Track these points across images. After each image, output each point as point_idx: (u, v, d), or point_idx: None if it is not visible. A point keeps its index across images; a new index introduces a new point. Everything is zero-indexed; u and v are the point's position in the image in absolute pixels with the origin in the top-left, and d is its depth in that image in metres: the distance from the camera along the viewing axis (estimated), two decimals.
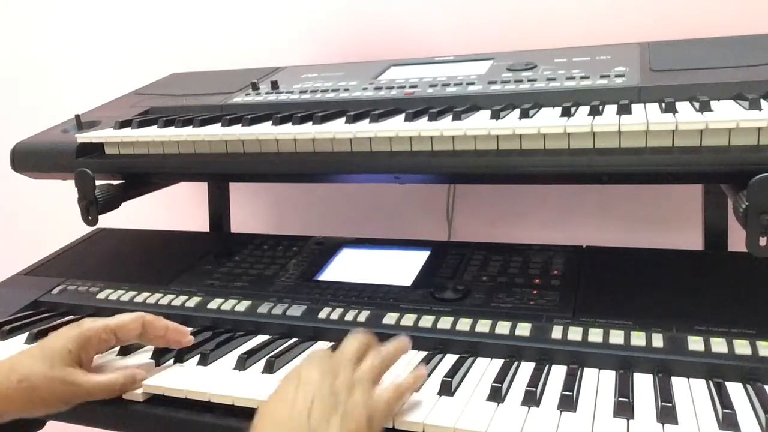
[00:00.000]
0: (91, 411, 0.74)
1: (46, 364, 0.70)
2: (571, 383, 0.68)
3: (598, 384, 0.70)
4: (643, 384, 0.68)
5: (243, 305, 0.92)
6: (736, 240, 0.85)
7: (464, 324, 0.81)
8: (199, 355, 0.80)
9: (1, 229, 1.85)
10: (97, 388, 0.72)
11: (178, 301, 0.96)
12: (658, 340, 0.73)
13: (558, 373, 0.72)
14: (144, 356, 0.82)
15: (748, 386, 0.66)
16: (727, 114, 0.71)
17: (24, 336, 0.90)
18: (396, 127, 0.83)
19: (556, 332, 0.77)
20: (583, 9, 1.22)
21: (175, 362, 0.80)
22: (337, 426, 0.57)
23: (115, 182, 1.03)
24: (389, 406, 0.63)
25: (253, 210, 1.55)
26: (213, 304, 0.94)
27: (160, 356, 0.81)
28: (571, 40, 1.13)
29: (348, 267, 1.02)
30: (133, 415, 0.75)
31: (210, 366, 0.79)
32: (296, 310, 0.89)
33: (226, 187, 1.36)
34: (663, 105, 0.77)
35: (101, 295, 1.01)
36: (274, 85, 1.13)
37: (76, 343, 0.73)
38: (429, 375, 0.73)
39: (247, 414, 0.70)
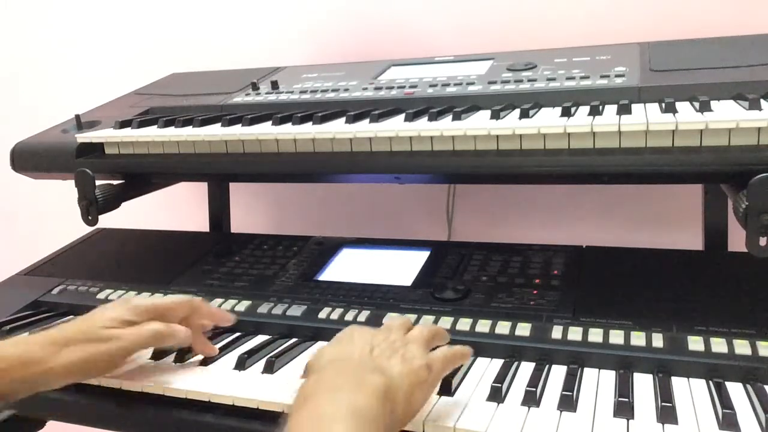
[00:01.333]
0: (91, 411, 0.74)
1: (87, 327, 0.73)
2: (571, 383, 0.68)
3: (598, 384, 0.70)
4: (643, 384, 0.68)
5: (243, 305, 0.92)
6: (736, 240, 0.85)
7: (464, 324, 0.81)
8: (199, 355, 0.80)
9: (1, 229, 1.85)
10: (138, 337, 0.73)
11: None
12: (658, 340, 0.73)
13: (558, 373, 0.72)
14: (143, 356, 0.82)
15: (748, 386, 0.66)
16: (727, 114, 0.71)
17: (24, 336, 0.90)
18: (396, 127, 0.83)
19: (556, 332, 0.77)
20: (583, 9, 1.22)
21: (175, 362, 0.80)
22: (398, 364, 0.59)
23: (115, 182, 1.03)
24: (444, 363, 0.64)
25: (253, 210, 1.55)
26: (213, 304, 0.93)
27: (159, 356, 0.81)
28: (571, 40, 1.13)
29: (348, 267, 1.02)
30: (133, 414, 0.76)
31: (210, 366, 0.79)
32: (296, 310, 0.89)
33: (226, 187, 1.36)
34: (663, 105, 0.77)
35: (101, 295, 1.01)
36: (274, 85, 1.13)
37: (122, 316, 0.75)
38: None
39: (247, 414, 0.70)
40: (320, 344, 0.84)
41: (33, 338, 0.73)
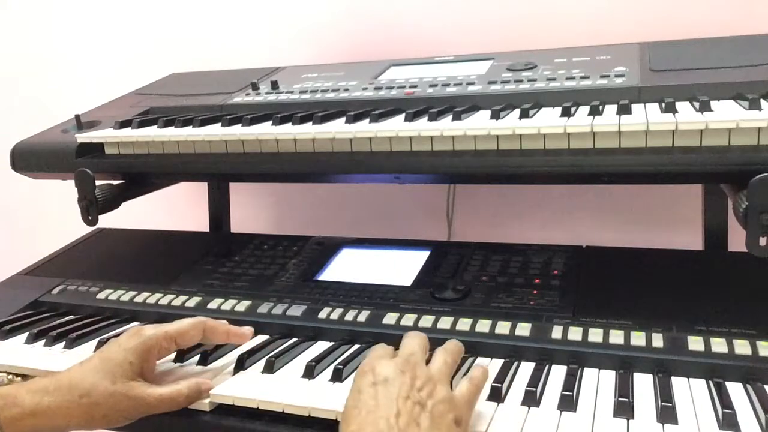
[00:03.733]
0: None
1: (107, 378, 0.68)
2: (571, 383, 0.68)
3: (598, 384, 0.70)
4: (643, 384, 0.68)
5: (243, 305, 0.92)
6: (736, 240, 0.85)
7: (464, 324, 0.81)
8: (198, 356, 0.80)
9: (1, 229, 1.85)
10: (161, 401, 0.69)
11: (178, 301, 0.96)
12: (658, 340, 0.73)
13: (558, 373, 0.72)
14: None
15: (748, 386, 0.66)
16: (727, 114, 0.71)
17: (24, 336, 0.90)
18: (396, 127, 0.83)
19: (556, 332, 0.77)
20: (583, 9, 1.22)
21: (175, 361, 0.80)
22: (426, 426, 0.55)
23: (115, 182, 1.03)
24: (471, 403, 0.62)
25: (253, 210, 1.55)
26: (213, 304, 0.94)
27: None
28: (571, 40, 1.13)
29: (348, 267, 1.02)
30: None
31: (210, 365, 0.79)
32: (296, 310, 0.89)
33: (226, 187, 1.36)
34: (663, 105, 0.77)
35: (101, 295, 1.01)
36: (274, 85, 1.13)
37: (137, 355, 0.70)
38: None
39: (247, 413, 0.70)
40: (320, 344, 0.84)
41: (50, 386, 0.68)
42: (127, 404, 0.68)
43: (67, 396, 0.67)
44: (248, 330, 0.81)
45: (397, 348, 0.66)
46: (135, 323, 0.94)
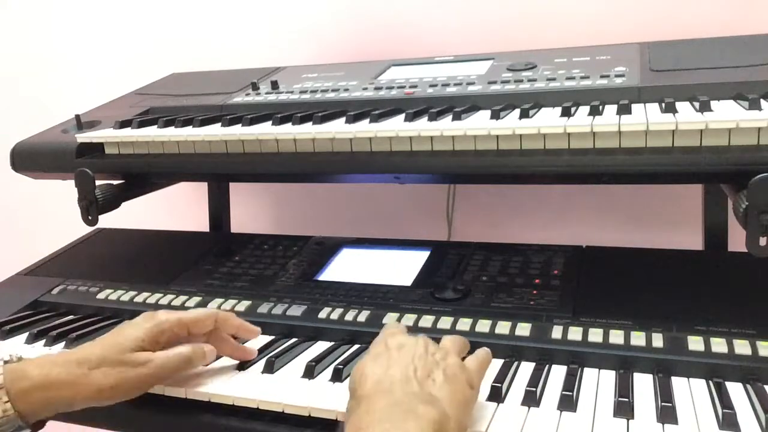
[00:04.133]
0: (97, 410, 0.74)
1: (117, 352, 0.70)
2: (571, 383, 0.68)
3: (598, 384, 0.70)
4: (643, 384, 0.68)
5: (243, 305, 0.92)
6: (736, 240, 0.85)
7: (464, 324, 0.81)
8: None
9: (1, 229, 1.85)
10: (168, 359, 0.71)
11: (178, 301, 0.96)
12: (658, 340, 0.73)
13: (558, 373, 0.72)
14: None
15: (748, 386, 0.66)
16: (727, 114, 0.71)
17: (24, 336, 0.90)
18: (396, 127, 0.83)
19: (556, 332, 0.77)
20: (583, 9, 1.22)
21: None
22: (441, 380, 0.58)
23: (115, 182, 1.03)
24: (481, 373, 0.64)
25: (253, 210, 1.55)
26: (213, 304, 0.94)
27: None
28: (571, 40, 1.13)
29: (348, 267, 1.02)
30: (131, 416, 0.75)
31: (211, 365, 0.79)
32: (296, 310, 0.89)
33: (226, 187, 1.36)
34: (663, 105, 0.77)
35: (101, 295, 1.01)
36: (274, 85, 1.13)
37: (149, 335, 0.72)
38: None
39: (247, 413, 0.70)
40: (321, 344, 0.84)
41: (58, 359, 0.69)
42: (135, 372, 0.69)
43: (76, 368, 0.68)
44: (257, 329, 0.81)
45: None
46: None
